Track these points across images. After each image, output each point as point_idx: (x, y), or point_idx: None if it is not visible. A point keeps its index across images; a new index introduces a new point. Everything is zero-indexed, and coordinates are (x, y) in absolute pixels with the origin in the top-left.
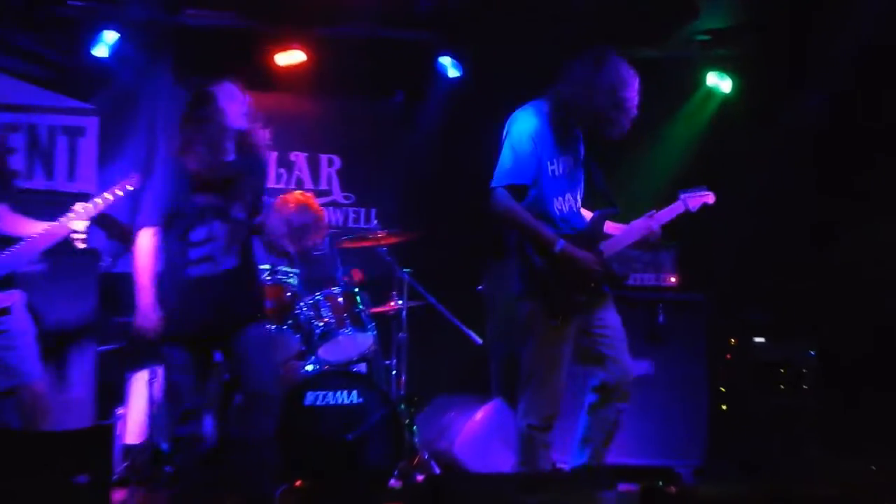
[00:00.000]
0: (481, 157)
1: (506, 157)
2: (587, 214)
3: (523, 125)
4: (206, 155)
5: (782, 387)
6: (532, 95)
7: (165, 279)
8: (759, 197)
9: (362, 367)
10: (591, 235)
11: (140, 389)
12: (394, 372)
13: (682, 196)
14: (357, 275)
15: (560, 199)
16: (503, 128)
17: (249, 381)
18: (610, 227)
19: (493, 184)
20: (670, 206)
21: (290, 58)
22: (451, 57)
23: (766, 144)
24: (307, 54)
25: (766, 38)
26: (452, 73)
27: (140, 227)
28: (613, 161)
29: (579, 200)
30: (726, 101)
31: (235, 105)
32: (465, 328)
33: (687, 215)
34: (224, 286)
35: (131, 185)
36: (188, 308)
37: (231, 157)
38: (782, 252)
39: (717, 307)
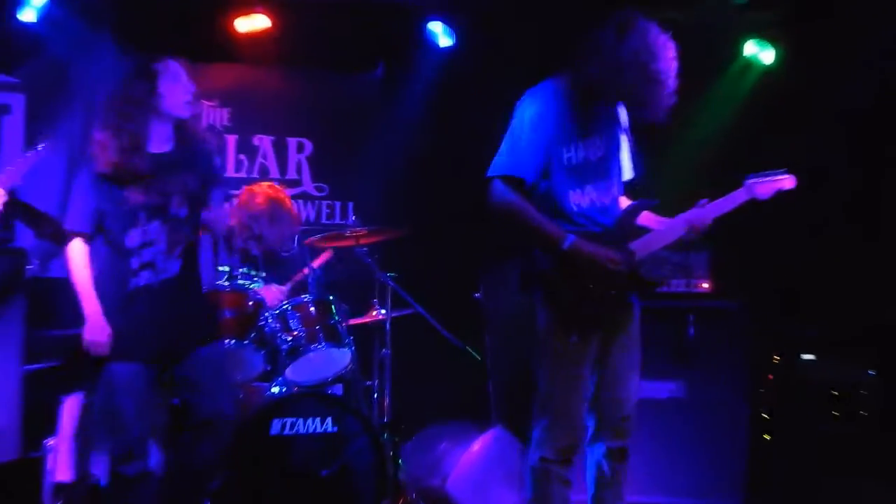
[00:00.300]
0: (477, 141)
1: (504, 144)
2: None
3: (527, 109)
4: (127, 144)
5: (835, 413)
6: (538, 67)
7: (105, 291)
8: (806, 186)
9: (338, 388)
10: (620, 232)
11: (75, 416)
12: (375, 395)
13: (749, 181)
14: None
15: (578, 191)
16: (507, 109)
17: (201, 408)
18: (650, 222)
19: (489, 174)
20: (730, 195)
21: (251, 24)
22: (441, 22)
23: (813, 124)
24: (271, 19)
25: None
26: (444, 41)
27: (69, 232)
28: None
29: (614, 193)
30: (767, 73)
31: (178, 89)
32: (459, 343)
33: (753, 205)
34: (168, 298)
35: (42, 150)
36: (131, 324)
37: (167, 146)
38: (834, 252)
39: (758, 318)
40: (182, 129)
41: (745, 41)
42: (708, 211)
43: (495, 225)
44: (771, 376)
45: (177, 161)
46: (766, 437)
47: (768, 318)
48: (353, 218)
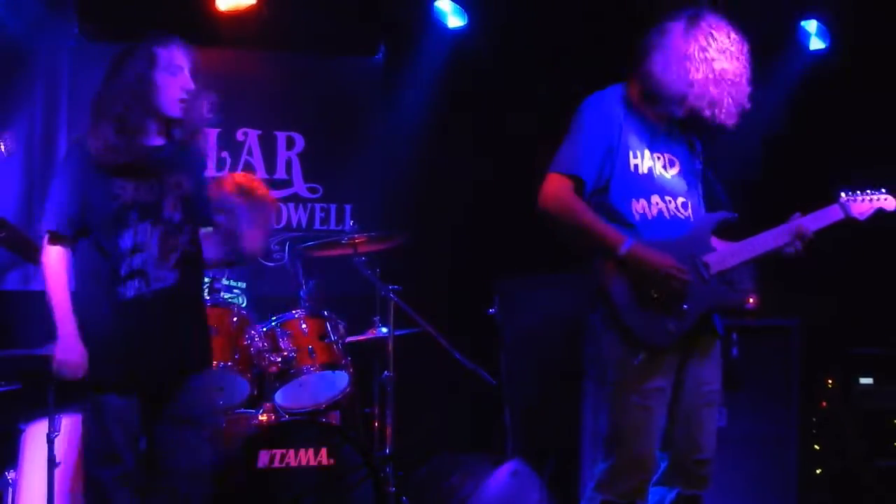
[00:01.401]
0: (492, 136)
1: (567, 142)
2: None
3: (594, 107)
4: (120, 132)
5: None
6: (561, 52)
7: (87, 303)
8: (866, 187)
9: (334, 416)
10: (691, 243)
11: (37, 447)
12: (376, 423)
13: (844, 199)
14: None
15: (643, 201)
16: (525, 97)
17: (174, 457)
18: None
19: (550, 169)
20: (822, 210)
21: (234, 1)
22: (451, 0)
23: (874, 116)
24: None
25: None
26: (454, 21)
27: (44, 234)
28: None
29: (688, 208)
30: (822, 59)
31: (176, 82)
32: (471, 364)
33: (848, 225)
34: (161, 313)
35: (5, 147)
36: (119, 343)
37: (159, 141)
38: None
39: (810, 337)
40: (175, 126)
41: (798, 22)
42: (800, 225)
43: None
44: (824, 403)
45: (170, 159)
46: (818, 471)
47: (822, 338)
48: (351, 223)
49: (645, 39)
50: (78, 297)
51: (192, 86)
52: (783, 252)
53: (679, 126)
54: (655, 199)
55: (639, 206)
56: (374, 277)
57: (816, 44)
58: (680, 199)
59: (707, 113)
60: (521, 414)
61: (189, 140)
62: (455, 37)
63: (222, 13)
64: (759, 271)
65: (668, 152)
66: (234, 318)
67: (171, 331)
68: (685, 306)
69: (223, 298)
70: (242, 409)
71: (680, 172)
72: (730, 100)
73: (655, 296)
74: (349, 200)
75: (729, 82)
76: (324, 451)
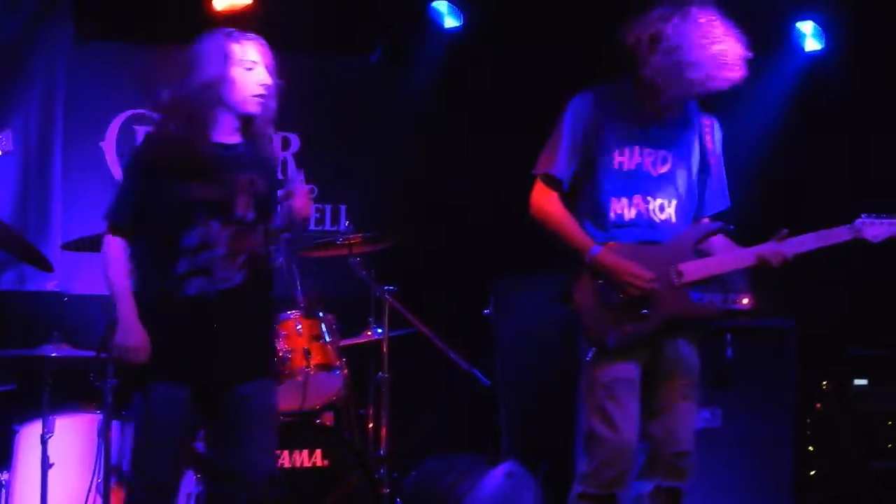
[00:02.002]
0: (487, 137)
1: (547, 144)
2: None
3: (574, 108)
4: (191, 129)
5: (890, 446)
6: (558, 52)
7: (146, 297)
8: (861, 189)
9: (329, 417)
10: (672, 250)
11: (31, 448)
12: (371, 424)
13: (860, 222)
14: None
15: (624, 200)
16: (521, 97)
17: (240, 463)
18: (721, 247)
19: (532, 173)
20: (828, 231)
21: (230, 0)
22: (447, 1)
23: (874, 119)
24: None
25: None
26: (450, 22)
27: (105, 228)
28: None
29: (672, 207)
30: (819, 59)
31: (252, 78)
32: (466, 365)
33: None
34: (225, 313)
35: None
36: (175, 338)
37: (234, 138)
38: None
39: (804, 338)
40: (250, 124)
41: (794, 21)
42: (787, 245)
43: (507, 233)
44: (819, 405)
45: (244, 157)
46: (812, 473)
47: (816, 339)
48: (346, 223)
49: (644, 31)
50: (138, 292)
51: (269, 80)
52: (761, 267)
53: (681, 121)
54: (637, 198)
55: (619, 205)
56: (369, 278)
57: (812, 45)
58: (660, 201)
59: (722, 83)
60: (516, 415)
61: (261, 138)
62: (452, 37)
63: (218, 13)
64: (755, 272)
65: (661, 149)
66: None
67: (231, 333)
68: (644, 311)
69: None
70: None
71: (670, 171)
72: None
73: (616, 300)
74: (344, 201)
75: (717, 65)
76: (318, 452)
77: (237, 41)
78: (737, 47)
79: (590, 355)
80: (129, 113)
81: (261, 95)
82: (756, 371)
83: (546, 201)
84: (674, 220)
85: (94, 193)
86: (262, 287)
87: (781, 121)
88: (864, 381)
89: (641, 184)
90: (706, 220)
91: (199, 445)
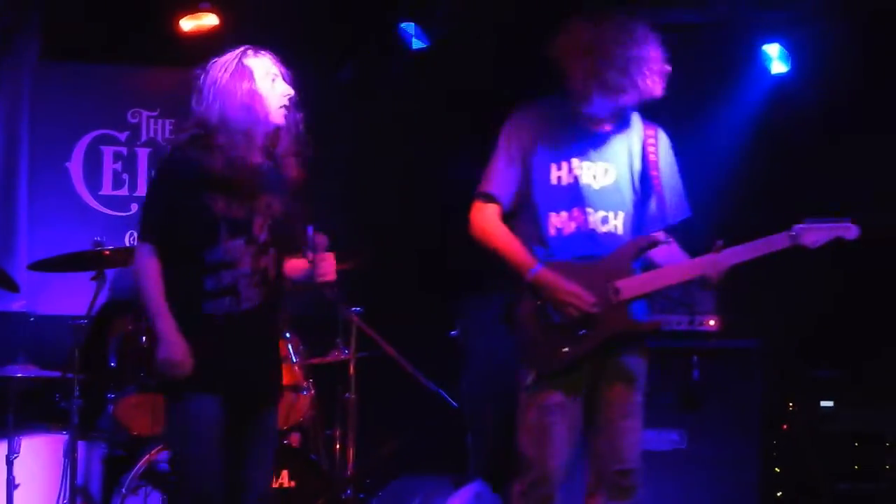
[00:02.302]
0: (456, 155)
1: (488, 163)
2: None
3: (510, 125)
4: (239, 147)
5: (857, 466)
6: (527, 71)
7: (175, 316)
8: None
9: (296, 438)
10: (609, 266)
11: None
12: (338, 445)
13: (799, 227)
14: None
15: (563, 214)
16: (488, 120)
17: (242, 479)
18: (669, 259)
19: (473, 193)
20: (767, 238)
21: (198, 22)
22: (414, 23)
23: (843, 142)
24: (219, 16)
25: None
26: (418, 42)
27: (142, 237)
28: None
29: (619, 219)
30: (785, 82)
31: (275, 89)
32: (433, 386)
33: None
34: (247, 334)
35: None
36: (207, 353)
37: (257, 156)
38: (859, 286)
39: (771, 359)
40: (276, 142)
41: (761, 43)
42: (724, 256)
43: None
44: (785, 426)
45: (268, 178)
46: (779, 494)
47: (783, 360)
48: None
49: (570, 40)
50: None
51: (291, 91)
52: (701, 282)
53: (621, 132)
54: (577, 212)
55: (558, 220)
56: (337, 298)
57: (779, 67)
58: (601, 213)
59: (646, 93)
60: (483, 436)
61: (288, 158)
62: (421, 57)
63: (185, 33)
64: (721, 293)
65: (603, 160)
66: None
67: (253, 354)
68: (582, 332)
69: None
70: None
71: (614, 182)
72: (646, 80)
73: (556, 320)
74: (311, 220)
75: (634, 69)
76: (285, 473)
77: (253, 56)
78: (658, 59)
79: (530, 379)
80: (95, 133)
81: (285, 106)
82: (722, 392)
83: (483, 220)
84: (620, 231)
85: (60, 214)
86: (274, 309)
87: (748, 141)
88: (830, 403)
89: (581, 197)
90: (660, 233)
91: (162, 465)
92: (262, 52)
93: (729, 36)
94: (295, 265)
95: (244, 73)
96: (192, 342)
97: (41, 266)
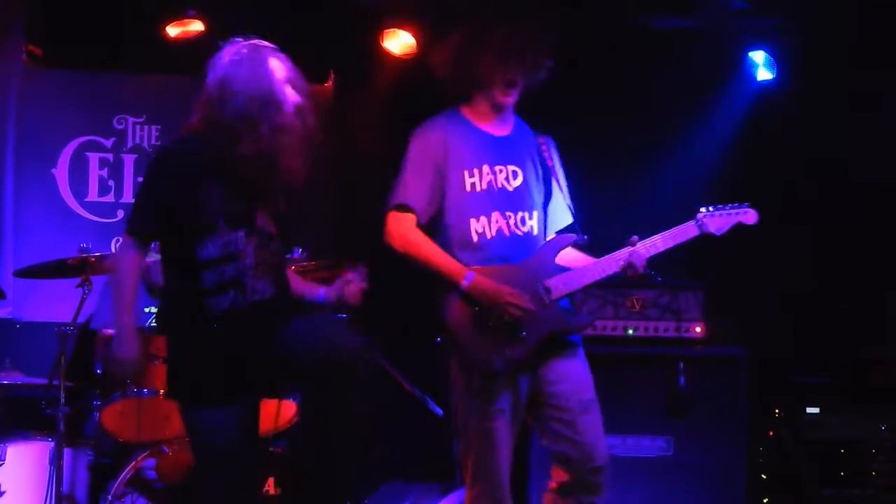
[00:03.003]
0: None
1: (399, 175)
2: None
3: (419, 136)
4: (264, 139)
5: (843, 473)
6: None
7: (177, 314)
8: (813, 219)
9: (282, 445)
10: (535, 267)
11: None
12: None
13: (702, 215)
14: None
15: (483, 219)
16: None
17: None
18: (576, 260)
19: (387, 205)
20: (675, 229)
21: (184, 28)
22: (401, 30)
23: (829, 150)
24: (205, 23)
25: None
26: (405, 50)
27: (131, 229)
28: (619, 168)
29: (535, 219)
30: (771, 90)
31: (290, 93)
32: (419, 393)
33: (710, 242)
34: (256, 326)
35: None
36: (211, 355)
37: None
38: (844, 293)
39: (757, 366)
40: (279, 135)
41: (746, 51)
42: (638, 250)
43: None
44: (771, 433)
45: (267, 169)
46: (765, 501)
47: (769, 367)
48: (299, 251)
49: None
50: (169, 311)
51: (303, 91)
52: (624, 275)
53: (520, 137)
54: (496, 215)
55: (478, 225)
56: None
57: (764, 74)
58: (520, 214)
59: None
60: None
61: (290, 154)
62: (407, 65)
63: (172, 40)
64: (707, 300)
65: (511, 163)
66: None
67: (266, 347)
68: (523, 333)
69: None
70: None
71: (523, 184)
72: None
73: (492, 324)
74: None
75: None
76: (271, 480)
77: (272, 54)
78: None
79: (475, 384)
80: (81, 140)
81: (299, 107)
82: (708, 399)
83: (405, 230)
84: (535, 231)
85: (46, 220)
86: (287, 301)
87: (734, 147)
88: (816, 410)
89: (497, 200)
90: (555, 235)
91: (150, 473)
92: (272, 49)
93: (714, 43)
94: (307, 285)
95: (264, 70)
96: (199, 344)
97: (27, 273)
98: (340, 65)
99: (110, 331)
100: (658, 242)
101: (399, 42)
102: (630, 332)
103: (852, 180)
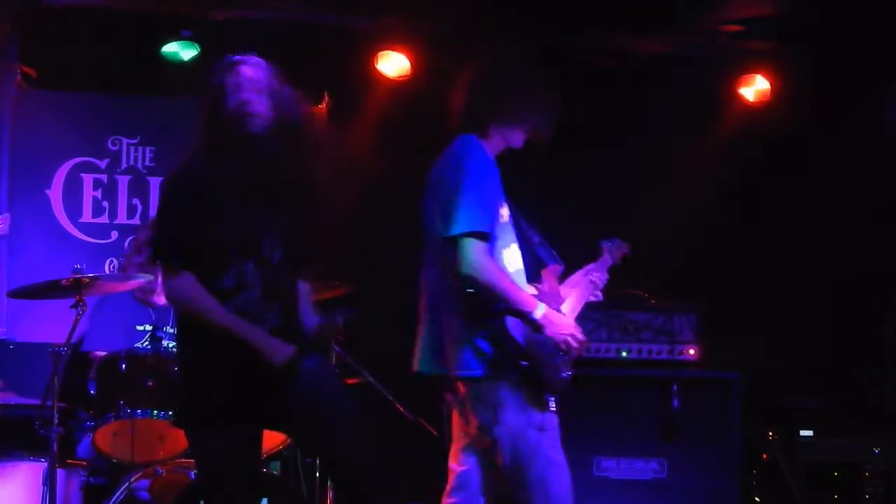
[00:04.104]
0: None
1: (469, 196)
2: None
3: (478, 156)
4: (221, 166)
5: (836, 496)
6: None
7: (192, 340)
8: (806, 245)
9: (275, 466)
10: (550, 296)
11: None
12: (318, 473)
13: (605, 245)
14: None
15: (512, 247)
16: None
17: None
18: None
19: (457, 230)
20: (600, 260)
21: (179, 50)
22: (394, 52)
23: (822, 175)
24: (200, 45)
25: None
26: (396, 72)
27: (173, 272)
28: (613, 195)
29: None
30: (762, 115)
31: (266, 104)
32: (412, 415)
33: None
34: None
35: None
36: (222, 382)
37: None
38: (838, 318)
39: (751, 389)
40: (280, 155)
41: (738, 75)
42: (597, 274)
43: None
44: (765, 455)
45: (273, 191)
46: None
47: (762, 390)
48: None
49: (491, 88)
50: (185, 336)
51: (290, 101)
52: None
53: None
54: (514, 247)
55: (508, 254)
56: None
57: (758, 96)
58: (514, 246)
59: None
60: None
61: (298, 173)
62: (399, 87)
63: (164, 62)
64: (701, 324)
65: (505, 202)
66: (176, 368)
67: (272, 378)
68: (572, 357)
69: (165, 347)
70: (183, 458)
71: (511, 220)
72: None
73: (550, 351)
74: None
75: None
76: (264, 502)
77: (250, 66)
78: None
79: (546, 406)
80: (75, 161)
81: (288, 119)
82: (702, 422)
83: (486, 259)
84: (520, 265)
85: (40, 241)
86: (295, 329)
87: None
88: (809, 432)
89: (513, 233)
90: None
91: (143, 494)
92: (256, 61)
93: (706, 68)
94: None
95: (240, 82)
96: (209, 371)
97: (20, 293)
98: (335, 87)
99: (102, 352)
100: (600, 268)
101: (393, 64)
102: (624, 354)
103: (853, 199)
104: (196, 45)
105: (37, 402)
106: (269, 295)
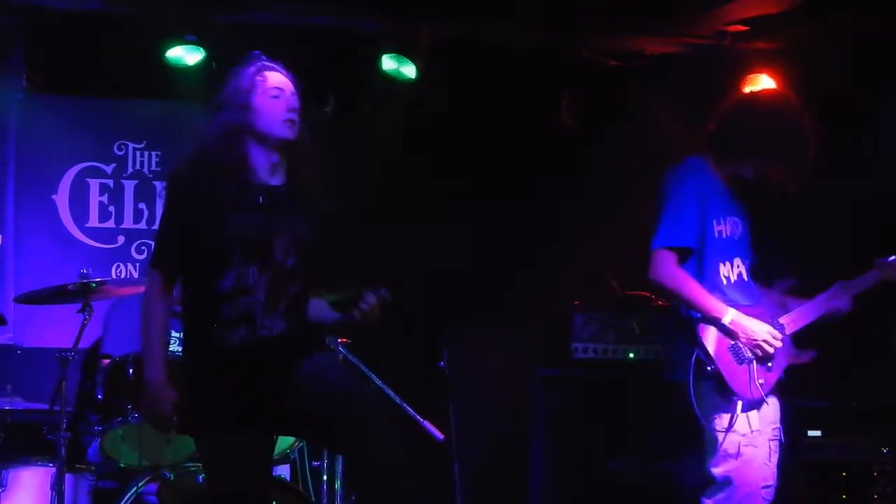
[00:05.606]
0: (443, 186)
1: (666, 215)
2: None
3: (680, 179)
4: (216, 167)
5: (845, 496)
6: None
7: (189, 346)
8: (813, 243)
9: (283, 470)
10: (767, 307)
11: None
12: (325, 477)
13: (880, 261)
14: None
15: (728, 264)
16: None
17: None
18: (790, 301)
19: (653, 245)
20: (862, 276)
21: (183, 54)
22: (399, 54)
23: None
24: (205, 49)
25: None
26: (403, 74)
27: (148, 269)
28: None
29: (744, 267)
30: None
31: (277, 107)
32: (420, 419)
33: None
34: (265, 361)
35: None
36: (220, 389)
37: (277, 179)
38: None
39: None
40: (291, 157)
41: (745, 76)
42: (847, 292)
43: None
44: None
45: (285, 199)
46: None
47: None
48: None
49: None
50: (186, 339)
51: (296, 104)
52: (833, 314)
53: (738, 190)
54: (737, 261)
55: (725, 269)
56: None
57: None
58: (747, 260)
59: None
60: (469, 468)
61: (302, 176)
62: (405, 89)
63: (170, 67)
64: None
65: (733, 216)
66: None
67: (273, 383)
68: (770, 364)
69: (173, 352)
70: (190, 463)
71: (741, 236)
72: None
73: (748, 356)
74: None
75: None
76: None
77: (260, 71)
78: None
79: (731, 411)
80: (81, 166)
81: (290, 120)
82: None
83: (674, 270)
84: (745, 278)
85: (47, 246)
86: (303, 337)
87: None
88: (817, 433)
89: (736, 249)
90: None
91: (151, 499)
92: (272, 66)
93: (714, 67)
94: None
95: (245, 87)
96: (208, 377)
97: (27, 299)
98: (340, 89)
99: (116, 356)
100: (855, 286)
101: (399, 67)
102: (631, 355)
103: (852, 199)
104: (201, 50)
105: (44, 407)
106: (273, 300)
